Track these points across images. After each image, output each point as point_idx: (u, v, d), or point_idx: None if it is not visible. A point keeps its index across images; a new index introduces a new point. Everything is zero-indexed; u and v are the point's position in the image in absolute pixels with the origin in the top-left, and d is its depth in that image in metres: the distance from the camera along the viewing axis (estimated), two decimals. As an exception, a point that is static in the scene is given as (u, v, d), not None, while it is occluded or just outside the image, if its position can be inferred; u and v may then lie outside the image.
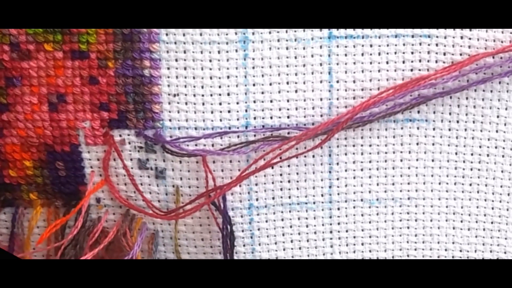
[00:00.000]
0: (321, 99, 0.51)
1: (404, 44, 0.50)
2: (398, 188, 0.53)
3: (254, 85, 0.50)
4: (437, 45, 0.50)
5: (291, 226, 0.54)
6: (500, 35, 0.49)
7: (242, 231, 0.53)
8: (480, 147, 0.52)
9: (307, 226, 0.54)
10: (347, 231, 0.54)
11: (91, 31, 0.49)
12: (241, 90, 0.50)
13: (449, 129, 0.52)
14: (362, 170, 0.53)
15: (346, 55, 0.50)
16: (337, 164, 0.52)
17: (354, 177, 0.53)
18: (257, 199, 0.53)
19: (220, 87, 0.50)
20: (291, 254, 0.54)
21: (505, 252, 0.54)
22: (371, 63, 0.50)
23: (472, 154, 0.52)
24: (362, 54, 0.50)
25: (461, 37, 0.50)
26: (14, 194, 0.52)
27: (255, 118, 0.51)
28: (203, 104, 0.50)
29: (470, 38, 0.50)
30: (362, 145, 0.52)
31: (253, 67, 0.50)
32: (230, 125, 0.51)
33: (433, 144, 0.52)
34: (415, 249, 0.54)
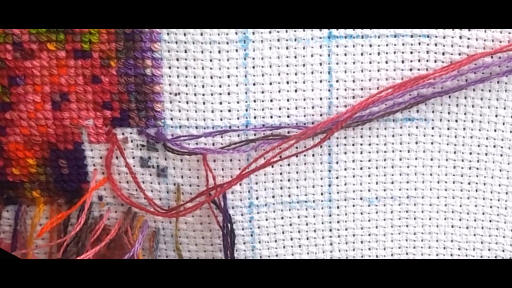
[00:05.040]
0: (320, 99, 0.51)
1: (403, 44, 0.50)
2: (397, 187, 0.53)
3: (254, 84, 0.50)
4: (436, 45, 0.50)
5: (291, 225, 0.54)
6: (499, 35, 0.49)
7: (242, 229, 0.53)
8: (478, 146, 0.52)
9: (307, 225, 0.54)
10: (346, 229, 0.54)
11: (94, 30, 0.49)
12: (241, 90, 0.50)
13: (448, 128, 0.52)
14: (361, 169, 0.53)
15: (345, 54, 0.50)
16: (337, 163, 0.52)
17: (354, 176, 0.53)
18: (257, 198, 0.53)
19: (220, 86, 0.50)
20: (291, 252, 0.54)
21: (503, 250, 0.54)
22: (370, 62, 0.50)
23: (470, 153, 0.52)
24: (362, 54, 0.50)
25: (460, 37, 0.50)
26: (17, 192, 0.53)
27: (255, 117, 0.51)
28: (204, 103, 0.50)
29: (468, 38, 0.50)
30: (361, 144, 0.52)
31: (253, 67, 0.50)
32: (231, 124, 0.51)
33: (432, 143, 0.52)
34: (414, 247, 0.54)
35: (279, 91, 0.51)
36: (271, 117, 0.51)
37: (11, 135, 0.51)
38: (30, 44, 0.49)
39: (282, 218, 0.53)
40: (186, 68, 0.50)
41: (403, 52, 0.50)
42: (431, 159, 0.53)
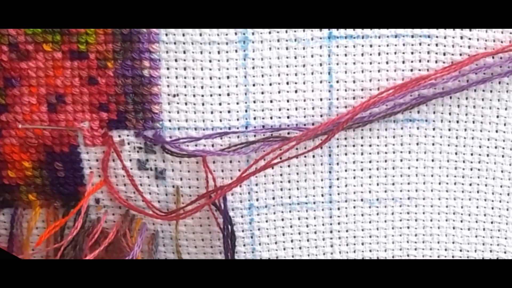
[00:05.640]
0: (321, 99, 0.51)
1: (404, 44, 0.50)
2: (398, 188, 0.53)
3: (254, 85, 0.50)
4: (437, 45, 0.50)
5: (291, 226, 0.54)
6: (500, 35, 0.49)
7: (243, 231, 0.53)
8: (480, 147, 0.52)
9: (307, 226, 0.54)
10: (347, 231, 0.54)
11: (90, 31, 0.49)
12: (241, 90, 0.50)
13: (449, 129, 0.52)
14: (362, 170, 0.53)
15: (346, 55, 0.50)
16: (337, 164, 0.52)
17: (354, 177, 0.53)
18: (257, 199, 0.53)
19: (220, 87, 0.50)
20: (291, 253, 0.54)
21: (505, 252, 0.54)
22: (371, 63, 0.50)
23: (472, 154, 0.52)
24: (362, 54, 0.50)
25: (461, 37, 0.50)
26: (13, 195, 0.52)
27: (255, 118, 0.51)
28: (203, 104, 0.50)
29: (470, 38, 0.50)
30: (362, 145, 0.52)
31: (253, 67, 0.50)
32: (230, 126, 0.51)
33: (433, 144, 0.52)
34: (415, 249, 0.55)
35: (279, 92, 0.50)
36: (271, 118, 0.51)
37: (6, 137, 0.51)
38: (26, 45, 0.49)
39: (282, 219, 0.53)
40: (185, 69, 0.50)
41: (403, 53, 0.50)
42: (432, 160, 0.53)
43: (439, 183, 0.53)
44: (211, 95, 0.50)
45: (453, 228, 0.54)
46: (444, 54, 0.50)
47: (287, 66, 0.50)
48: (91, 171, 0.52)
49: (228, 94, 0.50)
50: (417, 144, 0.52)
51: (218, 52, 0.49)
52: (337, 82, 0.51)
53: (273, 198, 0.53)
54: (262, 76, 0.50)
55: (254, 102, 0.50)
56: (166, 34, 0.49)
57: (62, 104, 0.50)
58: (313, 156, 0.52)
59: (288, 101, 0.51)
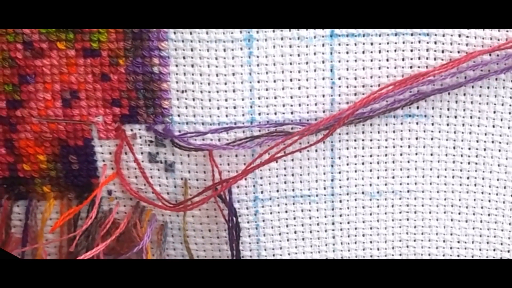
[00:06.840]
0: (323, 96, 0.51)
1: (403, 42, 0.50)
2: (398, 181, 0.54)
3: (258, 82, 0.51)
4: (435, 43, 0.50)
5: (294, 218, 0.54)
6: (497, 33, 0.50)
7: (248, 222, 0.54)
8: (477, 141, 0.52)
9: (310, 218, 0.54)
10: (348, 222, 0.55)
11: (102, 30, 0.50)
12: (246, 87, 0.51)
13: (447, 124, 0.52)
14: (363, 164, 0.53)
15: (347, 53, 0.51)
16: (339, 158, 0.53)
17: (356, 171, 0.53)
18: (262, 192, 0.53)
19: (226, 84, 0.51)
20: (294, 244, 0.55)
21: (501, 244, 0.55)
22: (371, 60, 0.51)
23: (469, 149, 0.53)
24: (363, 52, 0.51)
25: (459, 35, 0.50)
26: (28, 187, 0.53)
27: (259, 114, 0.52)
28: (210, 100, 0.51)
29: (467, 36, 0.50)
30: (363, 140, 0.53)
31: (258, 65, 0.50)
32: (236, 121, 0.51)
33: (432, 139, 0.53)
34: (414, 240, 0.55)
35: (283, 89, 0.51)
36: (275, 113, 0.51)
37: (21, 132, 0.52)
38: (40, 43, 0.50)
39: (286, 212, 0.54)
40: (192, 66, 0.50)
41: (403, 50, 0.51)
42: (431, 154, 0.53)
43: (438, 177, 0.53)
44: (217, 91, 0.51)
45: (451, 220, 0.54)
46: (443, 51, 0.50)
47: (291, 63, 0.51)
48: (104, 163, 0.53)
49: (234, 91, 0.51)
50: (417, 138, 0.53)
51: (224, 50, 0.50)
52: (339, 79, 0.51)
53: (277, 191, 0.53)
54: (267, 73, 0.51)
55: (259, 98, 0.51)
56: (175, 33, 0.50)
57: (76, 99, 0.51)
58: (316, 150, 0.53)
59: (291, 97, 0.51)
